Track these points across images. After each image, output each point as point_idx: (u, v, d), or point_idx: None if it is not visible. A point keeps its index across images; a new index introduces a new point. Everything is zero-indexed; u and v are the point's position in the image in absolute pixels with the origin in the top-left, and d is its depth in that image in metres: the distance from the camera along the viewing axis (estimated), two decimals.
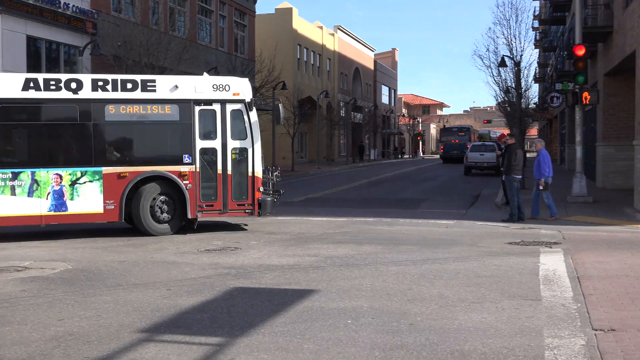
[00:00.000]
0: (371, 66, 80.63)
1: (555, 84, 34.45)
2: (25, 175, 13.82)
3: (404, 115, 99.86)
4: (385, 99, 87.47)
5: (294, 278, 9.45)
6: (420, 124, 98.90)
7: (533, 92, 70.38)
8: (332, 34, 66.26)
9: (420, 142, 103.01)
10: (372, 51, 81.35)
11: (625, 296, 8.01)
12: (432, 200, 23.60)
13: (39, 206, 13.82)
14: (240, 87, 14.96)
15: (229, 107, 14.82)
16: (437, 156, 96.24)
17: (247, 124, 14.84)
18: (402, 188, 29.46)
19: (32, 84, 13.90)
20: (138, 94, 14.41)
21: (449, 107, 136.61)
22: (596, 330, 6.59)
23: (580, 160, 22.69)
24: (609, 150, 26.41)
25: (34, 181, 13.84)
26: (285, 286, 8.89)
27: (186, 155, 14.61)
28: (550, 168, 17.49)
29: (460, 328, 6.77)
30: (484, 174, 39.09)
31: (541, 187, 17.48)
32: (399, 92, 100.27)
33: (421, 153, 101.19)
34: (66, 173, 14.00)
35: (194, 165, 14.59)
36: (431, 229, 15.32)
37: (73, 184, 14.03)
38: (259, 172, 14.96)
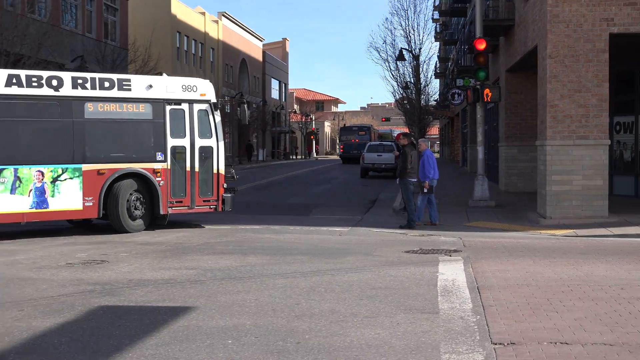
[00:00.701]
0: (260, 57, 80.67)
1: (456, 80, 35.64)
2: (9, 172, 15.18)
3: (295, 112, 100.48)
4: (275, 94, 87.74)
5: (169, 294, 9.30)
6: (313, 122, 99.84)
7: (433, 88, 72.51)
8: (216, 21, 65.82)
9: (314, 142, 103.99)
10: (261, 41, 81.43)
11: (526, 307, 8.29)
12: (325, 206, 23.83)
13: (21, 203, 15.25)
14: (206, 89, 17.52)
15: (196, 107, 17.30)
16: (333, 157, 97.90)
17: (212, 124, 17.40)
18: (293, 192, 29.61)
19: (14, 80, 15.34)
20: (115, 93, 16.36)
21: (344, 103, 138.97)
22: (495, 344, 6.76)
23: (482, 161, 23.54)
24: (512, 151, 27.51)
25: (17, 178, 15.24)
26: (159, 303, 8.73)
27: (159, 153, 16.85)
28: (435, 170, 18.23)
29: (351, 345, 6.82)
30: (382, 177, 39.93)
31: (425, 190, 18.07)
32: (290, 87, 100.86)
33: (315, 154, 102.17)
34: (48, 170, 15.54)
35: (166, 163, 16.86)
36: (323, 237, 15.47)
37: (54, 180, 15.62)
38: (222, 170, 17.40)
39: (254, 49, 78.24)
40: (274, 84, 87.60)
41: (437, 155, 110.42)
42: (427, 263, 11.68)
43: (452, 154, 68.70)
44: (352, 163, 59.08)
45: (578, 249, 13.52)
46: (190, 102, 17.20)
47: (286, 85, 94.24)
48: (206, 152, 17.28)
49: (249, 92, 75.26)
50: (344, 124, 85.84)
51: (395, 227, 17.76)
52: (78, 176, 15.84)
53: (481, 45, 22.26)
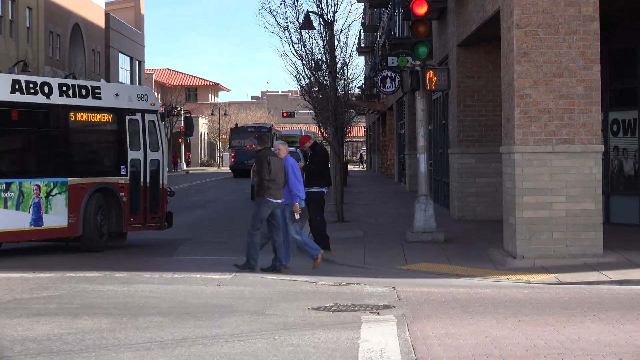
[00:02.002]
0: (101, 22, 79.77)
1: (387, 59, 35.99)
2: (15, 186, 19.75)
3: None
4: (124, 76, 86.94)
5: None
6: (182, 117, 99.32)
7: (356, 69, 72.81)
8: None
9: (183, 147, 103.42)
10: None
11: None
12: (198, 242, 23.75)
13: (22, 221, 19.80)
14: (154, 98, 23.05)
15: (147, 118, 22.61)
16: (212, 169, 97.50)
17: (159, 135, 22.91)
18: None
19: (17, 86, 20.02)
20: (90, 101, 21.42)
21: (228, 91, 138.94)
22: None
23: (425, 176, 23.66)
24: (467, 160, 28.01)
25: (21, 193, 19.80)
26: None
27: (122, 167, 21.91)
28: (302, 185, 18.64)
29: None
30: None
31: (297, 217, 18.41)
32: (148, 66, 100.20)
33: (183, 164, 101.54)
34: (43, 184, 20.21)
35: (127, 177, 21.75)
36: (194, 289, 15.33)
37: (47, 195, 20.25)
38: (166, 185, 22.68)
39: (92, 9, 77.27)
40: (123, 60, 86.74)
41: (361, 167, 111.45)
42: (344, 325, 11.67)
43: (384, 165, 69.42)
44: (247, 176, 59.48)
45: (560, 302, 13.73)
46: (143, 112, 22.55)
47: (141, 63, 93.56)
48: (156, 166, 22.52)
49: (85, 73, 74.26)
50: (236, 124, 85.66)
51: (302, 271, 17.81)
52: (65, 191, 20.60)
53: (421, 9, 22.39)
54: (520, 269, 17.70)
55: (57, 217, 20.38)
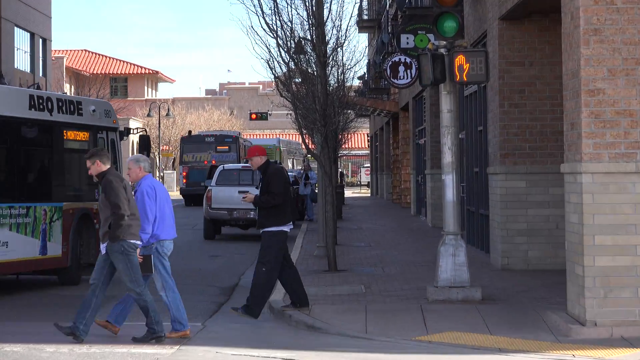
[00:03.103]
0: None
1: (400, 37, 35.75)
2: (32, 210, 24.92)
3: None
4: (22, 60, 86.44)
5: None
6: (135, 134, 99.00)
7: (355, 52, 72.80)
8: None
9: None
10: None
11: None
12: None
13: (33, 249, 24.89)
14: (115, 114, 28.89)
15: (109, 136, 28.34)
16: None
17: (118, 155, 28.47)
18: None
19: (32, 102, 25.37)
20: (76, 118, 26.98)
21: (172, 81, 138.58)
22: None
23: (454, 206, 23.11)
24: (516, 183, 27.81)
25: (35, 217, 24.98)
26: None
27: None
28: (163, 221, 18.62)
29: None
30: (251, 236, 40.12)
31: (140, 259, 18.19)
32: (55, 46, 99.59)
33: None
34: (48, 209, 25.46)
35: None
36: None
37: (50, 221, 25.40)
38: None
39: None
40: (21, 38, 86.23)
41: (364, 191, 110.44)
42: None
43: (396, 190, 68.93)
44: (201, 204, 59.62)
45: None
46: (107, 129, 28.31)
47: (47, 42, 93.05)
48: None
49: None
50: (189, 132, 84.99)
51: (276, 344, 18.11)
52: (61, 216, 25.87)
53: None
54: (591, 341, 17.48)
55: (55, 245, 25.68)
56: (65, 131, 26.82)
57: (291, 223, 21.07)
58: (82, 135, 27.56)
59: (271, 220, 20.32)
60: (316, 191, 45.32)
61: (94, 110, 27.90)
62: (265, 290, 20.63)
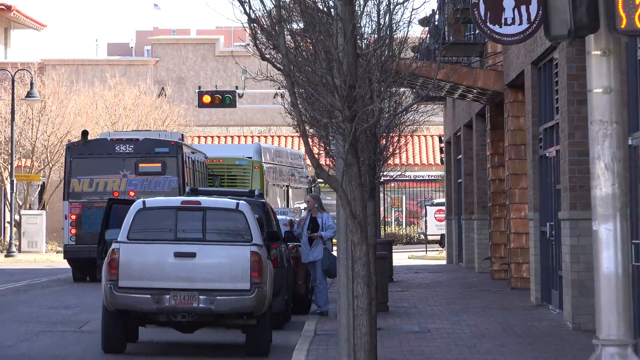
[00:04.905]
0: None
1: None
2: None
3: None
4: None
5: None
6: None
7: None
8: None
9: None
10: None
11: None
12: None
13: None
14: None
15: None
16: None
17: None
18: None
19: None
20: None
21: (41, 26, 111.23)
22: None
23: (618, 285, 16.31)
24: None
25: None
26: None
27: None
28: None
29: None
30: (204, 346, 30.76)
31: None
32: None
33: None
34: None
35: None
36: None
37: None
38: None
39: None
40: None
41: (433, 253, 73.87)
42: None
43: (499, 254, 49.30)
44: (94, 278, 46.27)
45: None
46: None
47: None
48: None
49: None
50: (83, 132, 60.40)
51: None
52: None
53: None
54: None
55: None
56: None
57: None
58: None
59: None
60: (334, 254, 31.34)
61: None
62: None
